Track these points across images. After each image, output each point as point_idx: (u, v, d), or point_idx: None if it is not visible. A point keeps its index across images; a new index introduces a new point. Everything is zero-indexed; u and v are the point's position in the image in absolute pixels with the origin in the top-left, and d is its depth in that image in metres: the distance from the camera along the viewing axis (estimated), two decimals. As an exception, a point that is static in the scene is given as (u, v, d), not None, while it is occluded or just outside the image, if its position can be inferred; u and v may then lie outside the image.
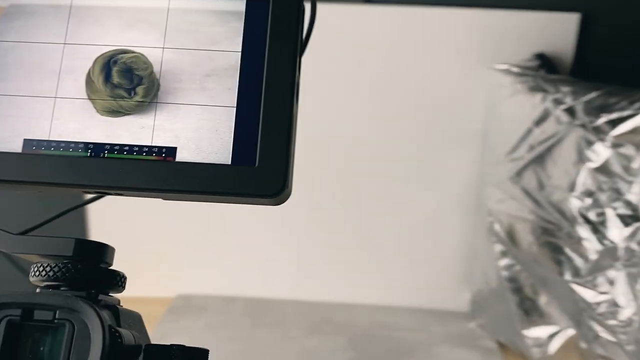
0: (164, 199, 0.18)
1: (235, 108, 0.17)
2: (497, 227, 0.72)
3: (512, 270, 0.72)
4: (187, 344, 0.75)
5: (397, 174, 0.82)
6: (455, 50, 0.78)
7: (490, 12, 0.76)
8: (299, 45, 0.18)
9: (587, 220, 0.60)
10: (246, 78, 0.17)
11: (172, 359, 0.19)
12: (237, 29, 0.18)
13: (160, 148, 0.18)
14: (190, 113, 0.17)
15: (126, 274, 0.94)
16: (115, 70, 0.18)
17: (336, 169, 0.83)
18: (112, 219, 0.85)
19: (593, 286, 0.60)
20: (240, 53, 0.18)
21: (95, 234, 0.85)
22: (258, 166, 0.17)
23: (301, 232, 0.85)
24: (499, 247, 0.73)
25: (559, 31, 0.75)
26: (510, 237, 0.71)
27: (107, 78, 0.18)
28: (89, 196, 0.23)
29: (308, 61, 0.76)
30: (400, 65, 0.79)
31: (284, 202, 0.18)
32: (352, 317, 0.83)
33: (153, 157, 0.18)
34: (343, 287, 0.86)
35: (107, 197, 0.83)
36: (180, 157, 0.18)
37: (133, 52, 0.18)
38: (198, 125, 0.17)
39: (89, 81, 0.18)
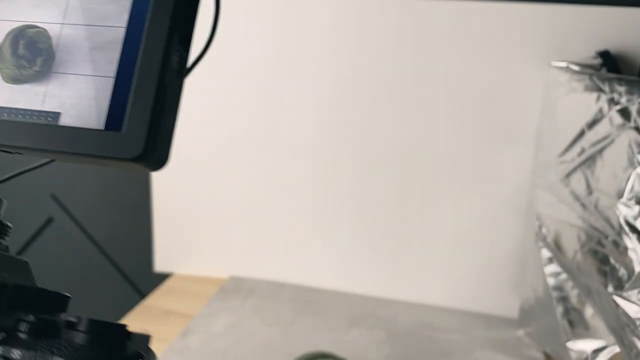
0: (53, 158, 0.21)
1: (113, 79, 0.19)
2: (544, 231, 0.69)
3: (559, 278, 0.68)
4: (232, 324, 0.78)
5: (450, 173, 0.81)
6: (516, 47, 0.75)
7: (555, 7, 0.73)
8: (174, 24, 0.19)
9: (634, 230, 0.56)
10: (126, 52, 0.19)
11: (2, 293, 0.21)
12: (125, 6, 0.19)
13: (47, 113, 0.20)
14: (76, 82, 0.20)
15: (187, 254, 0.98)
16: (21, 43, 0.21)
17: (389, 166, 0.82)
18: (175, 205, 0.90)
19: (637, 300, 0.56)
20: (125, 29, 0.20)
21: (160, 220, 0.91)
22: (124, 132, 0.18)
23: (352, 227, 0.86)
24: (546, 253, 0.70)
25: (628, 28, 0.70)
26: (557, 243, 0.67)
27: (15, 50, 0.21)
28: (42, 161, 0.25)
29: (361, 57, 0.76)
30: (457, 61, 0.77)
31: (158, 168, 0.19)
32: (396, 313, 0.83)
33: (41, 120, 0.20)
34: (389, 283, 0.86)
35: (173, 188, 0.88)
36: (63, 121, 0.20)
37: (38, 27, 0.21)
38: (81, 94, 0.19)
39: (0, 53, 0.21)
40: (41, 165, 0.24)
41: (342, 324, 0.80)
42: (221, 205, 0.89)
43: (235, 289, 0.88)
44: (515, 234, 0.79)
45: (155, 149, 0.19)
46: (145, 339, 0.19)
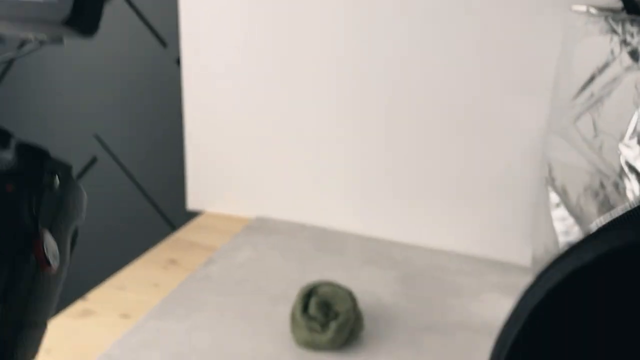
0: (7, 27, 0.24)
1: None
2: (553, 175, 0.70)
3: (565, 222, 0.69)
4: (252, 258, 0.83)
5: (468, 121, 0.81)
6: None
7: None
8: None
9: (634, 170, 0.56)
10: None
11: None
12: None
13: None
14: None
15: (218, 195, 1.04)
16: None
17: (406, 113, 0.84)
18: (207, 149, 0.95)
19: (633, 241, 0.56)
20: None
21: (192, 162, 0.96)
22: (57, 1, 0.22)
23: (373, 173, 0.88)
24: (554, 198, 0.70)
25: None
26: (564, 187, 0.68)
27: None
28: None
29: (383, 8, 0.77)
30: (476, 8, 0.77)
31: (88, 34, 0.23)
32: (410, 256, 0.85)
33: None
34: (406, 228, 0.88)
35: (204, 133, 0.92)
36: None
37: None
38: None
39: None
40: (30, 52, 0.28)
41: (356, 263, 0.83)
42: (250, 149, 0.94)
43: (259, 227, 0.92)
44: (531, 182, 0.79)
45: (82, 16, 0.22)
46: (66, 166, 0.23)
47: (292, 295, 0.70)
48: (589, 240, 0.25)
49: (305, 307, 0.65)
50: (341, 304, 0.65)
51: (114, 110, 1.01)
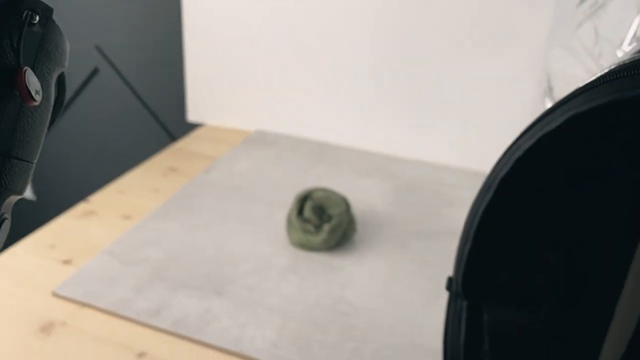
0: None
1: None
2: (552, 84, 0.69)
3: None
4: (251, 167, 0.84)
5: (471, 34, 0.80)
6: None
7: None
8: None
9: (630, 77, 0.56)
10: None
11: None
12: None
13: None
14: None
15: (218, 107, 1.05)
16: None
17: (409, 27, 0.83)
18: (207, 61, 0.95)
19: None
20: None
21: (192, 75, 0.96)
22: None
23: (373, 88, 0.88)
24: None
25: None
26: (561, 97, 0.68)
27: None
28: None
29: None
30: None
31: None
32: (407, 169, 0.86)
33: None
34: (405, 142, 0.89)
35: (205, 47, 0.91)
36: None
37: None
38: None
39: None
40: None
41: (353, 174, 0.84)
42: (251, 63, 0.93)
43: (259, 140, 0.93)
44: (533, 98, 0.79)
45: None
46: (47, 7, 0.22)
47: (288, 201, 0.72)
48: (556, 107, 0.26)
49: (300, 211, 0.67)
50: (335, 208, 0.66)
51: (114, 22, 1.00)
